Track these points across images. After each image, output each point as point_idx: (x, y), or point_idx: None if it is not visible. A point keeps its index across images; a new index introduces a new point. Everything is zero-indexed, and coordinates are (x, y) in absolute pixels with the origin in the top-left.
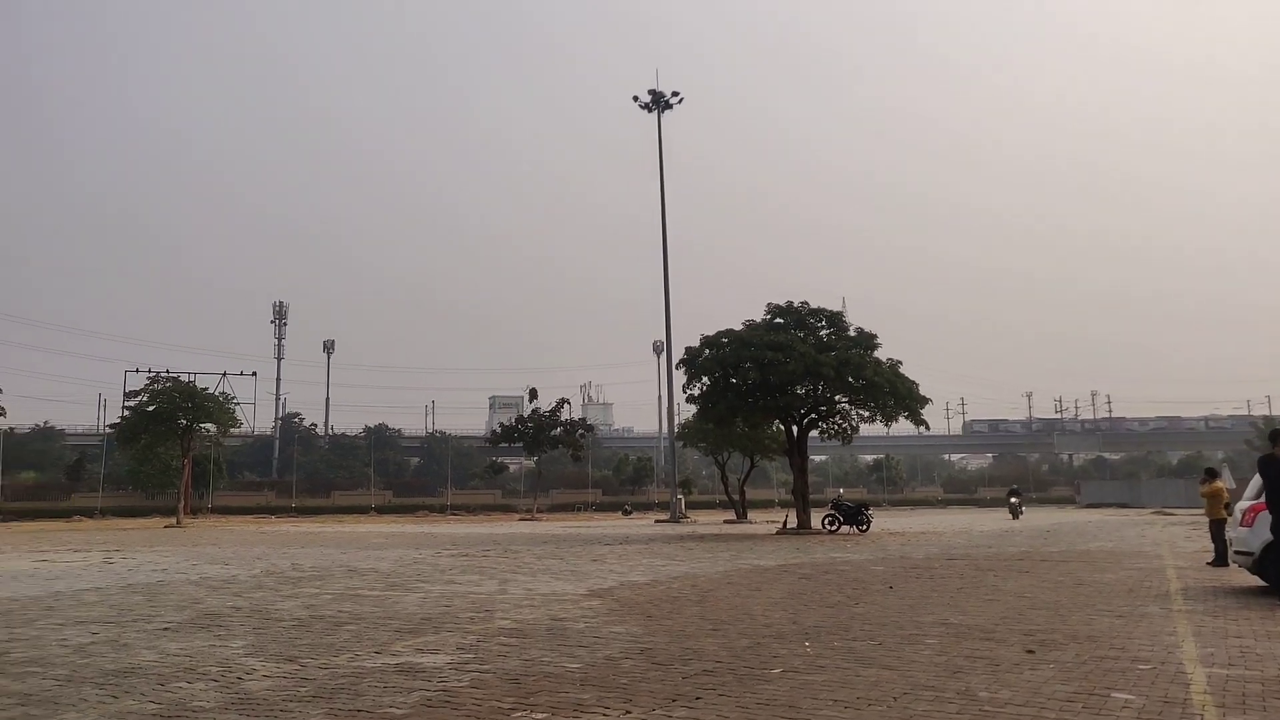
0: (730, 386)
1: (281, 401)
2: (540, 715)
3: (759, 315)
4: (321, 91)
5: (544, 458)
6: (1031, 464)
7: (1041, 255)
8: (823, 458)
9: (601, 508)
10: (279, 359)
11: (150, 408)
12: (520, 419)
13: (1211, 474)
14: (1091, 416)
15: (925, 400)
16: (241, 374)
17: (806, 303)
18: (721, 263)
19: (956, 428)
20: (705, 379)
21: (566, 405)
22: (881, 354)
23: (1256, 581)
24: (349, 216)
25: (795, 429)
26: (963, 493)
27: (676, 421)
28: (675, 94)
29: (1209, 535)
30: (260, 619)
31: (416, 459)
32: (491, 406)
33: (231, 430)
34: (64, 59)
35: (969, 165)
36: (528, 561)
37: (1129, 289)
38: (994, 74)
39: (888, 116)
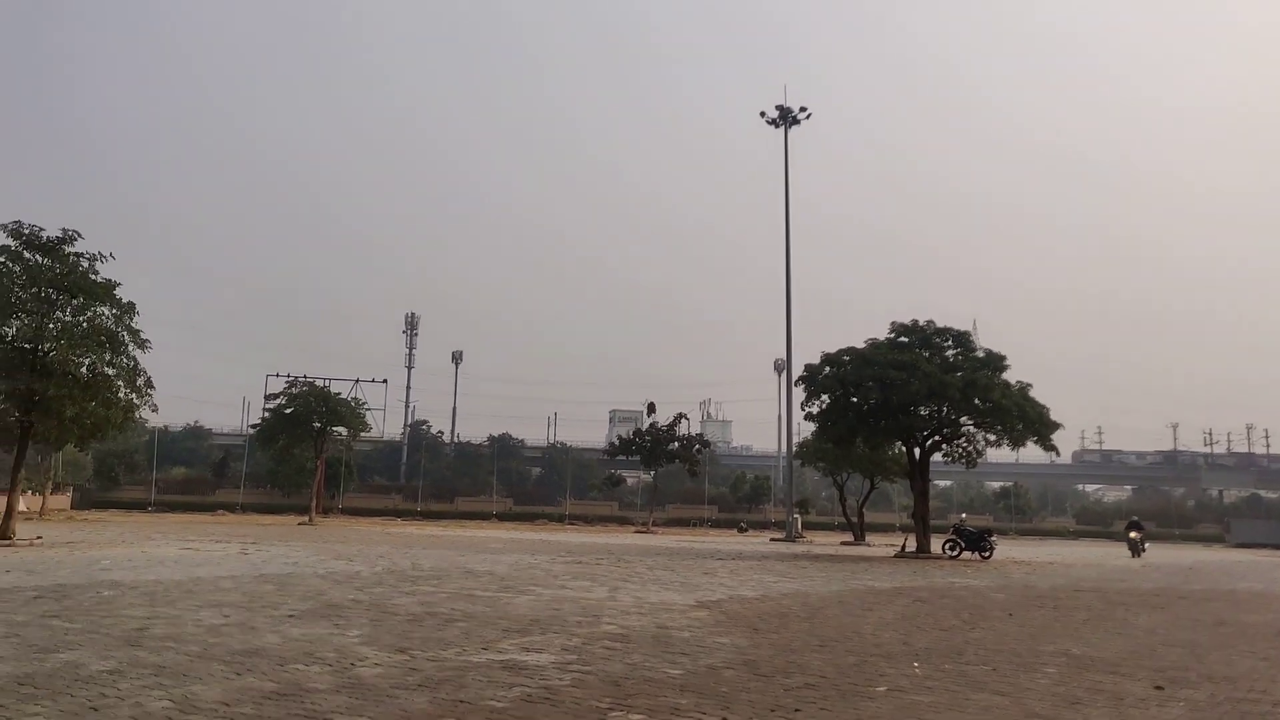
0: (851, 405)
1: (411, 409)
2: (637, 716)
3: (882, 337)
4: (440, 124)
5: (661, 472)
6: (1175, 499)
7: (1220, 292)
8: (947, 483)
9: (717, 524)
10: (409, 368)
11: (288, 410)
12: (638, 432)
13: None
14: (1246, 450)
15: (1056, 425)
16: (373, 381)
17: (932, 321)
18: (841, 289)
19: (1094, 456)
20: (825, 397)
21: (684, 420)
22: (1010, 376)
23: None
24: (475, 254)
25: (918, 451)
26: (1097, 524)
27: (795, 441)
28: (803, 109)
29: None
30: (377, 612)
31: (538, 469)
32: (611, 420)
33: (362, 434)
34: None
35: (1148, 200)
36: (639, 571)
37: None
38: (1165, 96)
39: (1050, 150)
